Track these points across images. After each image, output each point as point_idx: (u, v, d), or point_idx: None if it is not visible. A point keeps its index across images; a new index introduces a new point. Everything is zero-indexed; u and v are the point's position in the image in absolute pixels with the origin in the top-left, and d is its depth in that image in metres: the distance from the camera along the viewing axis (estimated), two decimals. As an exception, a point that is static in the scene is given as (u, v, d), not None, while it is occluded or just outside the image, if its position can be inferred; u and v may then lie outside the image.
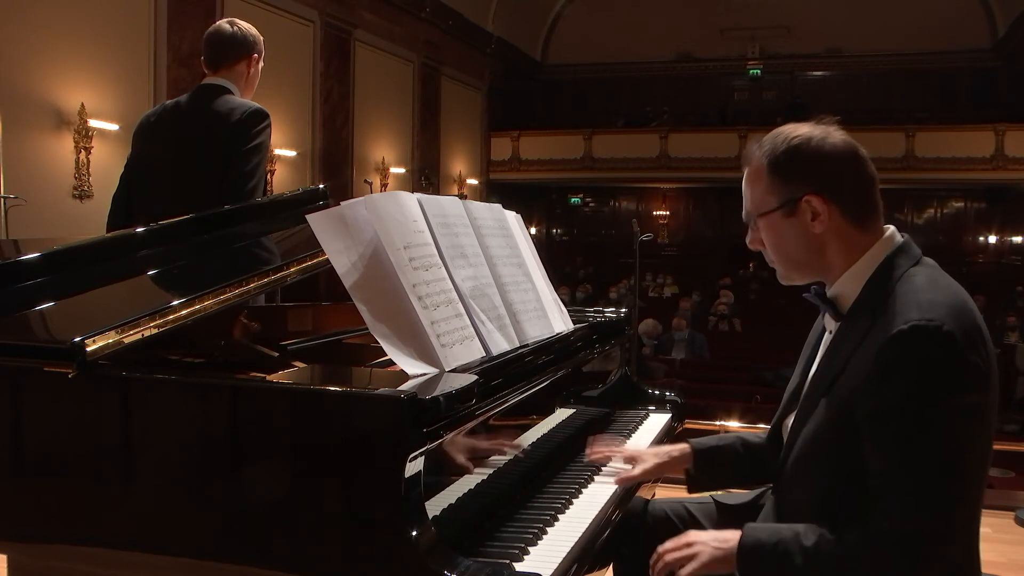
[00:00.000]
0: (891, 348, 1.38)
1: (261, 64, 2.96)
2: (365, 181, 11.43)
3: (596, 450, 1.94)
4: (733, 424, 5.66)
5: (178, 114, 2.87)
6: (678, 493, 1.99)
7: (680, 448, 1.90)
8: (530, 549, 1.47)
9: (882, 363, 1.39)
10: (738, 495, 1.88)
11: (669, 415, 2.52)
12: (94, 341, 1.41)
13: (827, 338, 1.64)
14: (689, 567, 1.49)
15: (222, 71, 2.87)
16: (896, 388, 1.37)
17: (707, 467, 1.88)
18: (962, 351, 1.37)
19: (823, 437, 1.50)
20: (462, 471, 1.51)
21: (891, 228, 1.56)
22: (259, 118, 2.76)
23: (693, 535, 1.53)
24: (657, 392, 2.65)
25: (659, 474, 1.90)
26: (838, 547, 1.40)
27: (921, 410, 1.36)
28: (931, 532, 1.36)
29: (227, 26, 2.91)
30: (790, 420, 1.64)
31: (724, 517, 1.83)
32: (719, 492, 1.94)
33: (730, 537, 1.49)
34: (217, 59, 2.88)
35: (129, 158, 2.94)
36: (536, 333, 1.93)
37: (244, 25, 2.92)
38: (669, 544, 1.54)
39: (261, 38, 2.95)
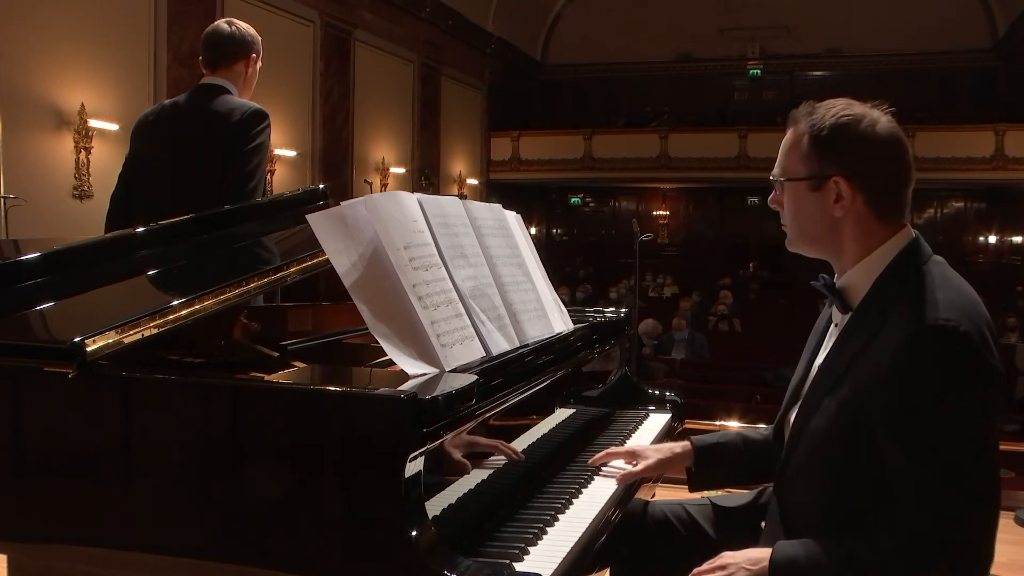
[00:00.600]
0: (908, 350, 1.38)
1: (259, 64, 2.96)
2: (365, 181, 11.43)
3: (597, 455, 1.94)
4: (733, 424, 5.65)
5: (177, 114, 2.87)
6: (678, 494, 1.99)
7: (682, 445, 1.90)
8: (530, 549, 1.47)
9: (899, 364, 1.38)
10: (736, 496, 1.87)
11: (669, 415, 2.51)
12: (94, 341, 1.41)
13: (833, 331, 1.63)
14: None
15: (220, 71, 2.87)
16: (916, 388, 1.37)
17: (708, 465, 1.87)
18: (978, 350, 1.37)
19: (828, 437, 1.49)
20: (462, 471, 1.51)
21: (907, 225, 1.55)
22: (259, 119, 2.76)
23: (728, 557, 1.50)
24: (657, 392, 2.65)
25: (661, 470, 1.89)
26: (873, 552, 1.39)
27: (942, 408, 1.36)
28: (964, 523, 1.36)
29: (225, 26, 2.90)
30: (792, 415, 1.63)
31: (722, 520, 1.83)
32: (717, 494, 1.94)
33: (762, 556, 1.48)
34: (215, 59, 2.88)
35: (127, 157, 2.94)
36: (536, 333, 1.93)
37: (242, 25, 2.92)
38: (705, 567, 1.52)
39: (259, 38, 2.95)
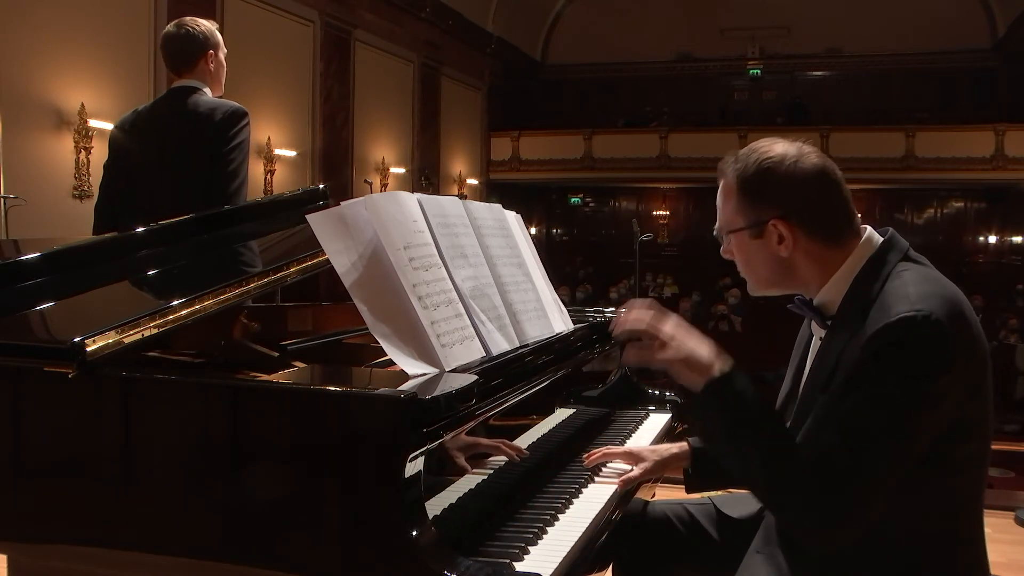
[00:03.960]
0: (878, 337, 1.37)
1: (223, 54, 2.92)
2: (365, 181, 11.42)
3: (593, 451, 1.93)
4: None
5: (156, 117, 2.85)
6: (678, 494, 1.99)
7: (679, 446, 1.90)
8: (530, 549, 1.47)
9: (866, 353, 1.38)
10: (740, 502, 1.86)
11: (669, 415, 2.51)
12: (94, 341, 1.41)
13: (815, 343, 1.63)
14: (664, 354, 1.50)
15: (186, 74, 2.86)
16: (873, 367, 1.36)
17: (705, 466, 1.88)
18: (949, 340, 1.36)
19: None
20: (462, 471, 1.51)
21: (868, 230, 1.54)
22: (238, 118, 2.76)
23: (671, 327, 1.52)
24: (657, 392, 2.65)
25: (659, 472, 1.90)
26: (787, 462, 1.40)
27: (892, 387, 1.35)
28: (848, 486, 1.35)
29: (174, 29, 2.88)
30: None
31: (727, 527, 1.82)
32: (718, 494, 1.94)
33: (709, 359, 1.50)
34: (176, 63, 2.87)
35: (106, 166, 2.92)
36: (536, 333, 1.93)
37: (192, 23, 2.88)
38: (645, 313, 1.54)
39: (214, 31, 2.91)
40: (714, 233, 1.62)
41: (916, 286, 1.42)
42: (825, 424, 1.40)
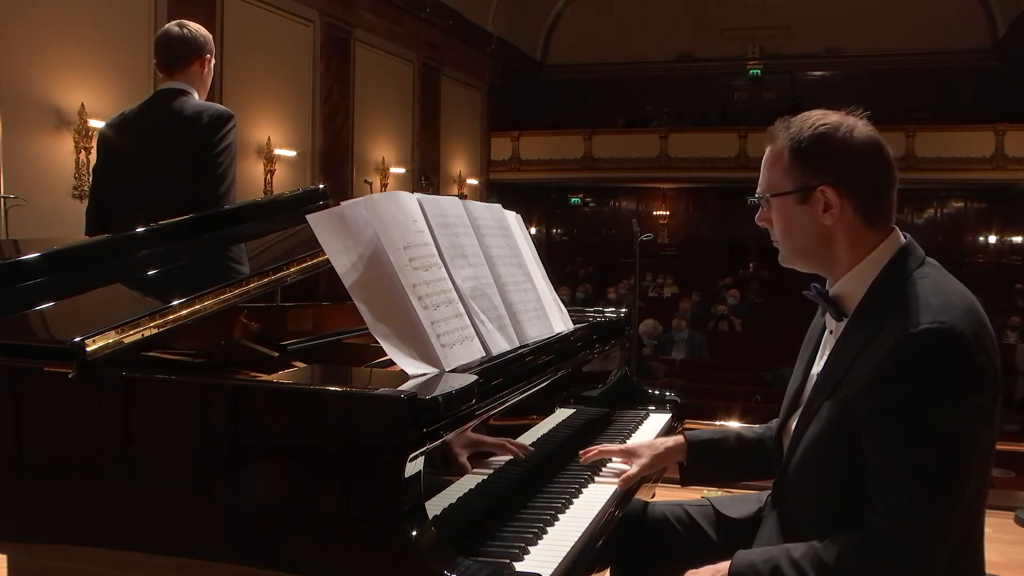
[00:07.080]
0: (902, 350, 1.37)
1: (212, 62, 2.95)
2: (365, 181, 11.44)
3: (589, 449, 1.93)
4: (733, 424, 5.66)
5: (143, 120, 2.85)
6: (677, 495, 1.99)
7: (675, 440, 1.90)
8: (530, 549, 1.47)
9: (890, 364, 1.37)
10: (738, 504, 1.86)
11: (669, 415, 2.51)
12: (94, 341, 1.41)
13: (827, 337, 1.63)
14: None
15: (177, 74, 2.86)
16: (902, 388, 1.36)
17: (701, 460, 1.88)
18: (972, 353, 1.36)
19: (825, 442, 1.48)
20: (463, 471, 1.51)
21: (897, 229, 1.55)
22: (224, 121, 2.77)
23: (691, 573, 1.53)
24: (657, 392, 2.65)
25: (657, 467, 1.89)
26: (828, 553, 1.39)
27: (925, 410, 1.35)
28: (926, 535, 1.35)
29: (176, 28, 2.89)
30: (793, 422, 1.63)
31: (726, 528, 1.82)
32: (717, 494, 1.94)
33: (725, 567, 1.49)
34: (171, 62, 2.87)
35: (95, 170, 2.92)
36: (536, 333, 1.93)
37: (193, 26, 2.91)
38: None
39: (211, 37, 2.95)
40: (755, 196, 1.60)
41: (937, 295, 1.42)
42: (879, 479, 1.38)
